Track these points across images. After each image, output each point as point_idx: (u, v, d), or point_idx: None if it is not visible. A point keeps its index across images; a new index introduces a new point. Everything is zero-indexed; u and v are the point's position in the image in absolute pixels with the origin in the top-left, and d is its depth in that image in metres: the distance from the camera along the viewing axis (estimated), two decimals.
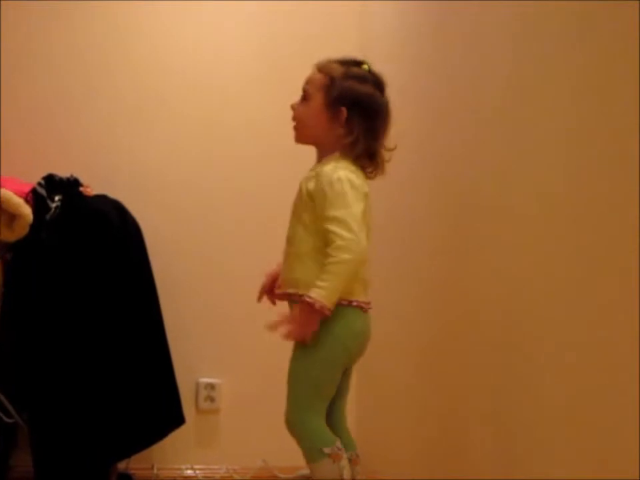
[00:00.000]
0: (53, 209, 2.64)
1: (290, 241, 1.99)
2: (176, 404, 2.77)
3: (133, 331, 2.67)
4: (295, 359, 1.98)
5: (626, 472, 1.47)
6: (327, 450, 1.89)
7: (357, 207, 1.88)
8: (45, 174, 2.70)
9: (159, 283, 2.81)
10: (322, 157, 2.01)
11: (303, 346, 1.92)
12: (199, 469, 2.95)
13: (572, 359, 1.69)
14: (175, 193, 3.08)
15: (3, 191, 2.49)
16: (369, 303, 2.00)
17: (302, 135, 2.03)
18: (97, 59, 3.06)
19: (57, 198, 2.66)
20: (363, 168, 2.00)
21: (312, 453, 1.92)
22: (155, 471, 2.89)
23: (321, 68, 2.01)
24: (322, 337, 1.89)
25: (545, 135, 1.85)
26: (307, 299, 1.83)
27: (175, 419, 2.76)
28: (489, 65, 2.15)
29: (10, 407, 2.56)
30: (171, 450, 2.90)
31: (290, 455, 3.00)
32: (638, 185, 1.49)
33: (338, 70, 1.98)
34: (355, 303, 1.93)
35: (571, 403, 1.68)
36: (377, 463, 2.79)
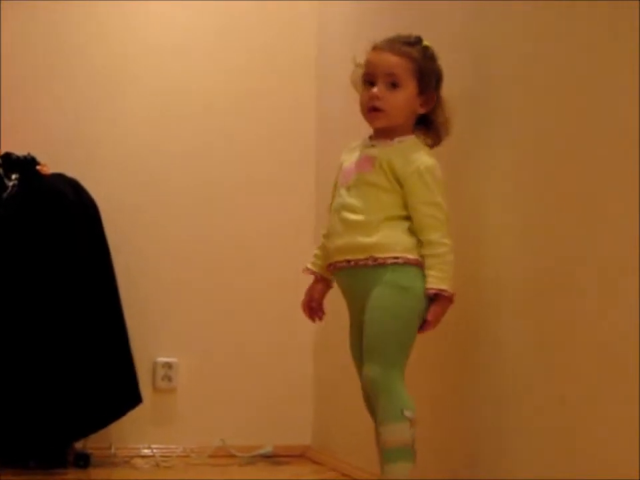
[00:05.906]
0: (10, 188, 2.63)
1: (354, 209, 1.94)
2: (133, 383, 2.77)
3: (89, 310, 2.67)
4: (380, 322, 1.90)
5: (626, 472, 1.48)
6: (407, 413, 1.84)
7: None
8: (1, 152, 2.67)
9: (116, 261, 2.81)
10: (391, 135, 1.97)
11: (386, 308, 1.89)
12: (157, 448, 2.95)
13: (569, 353, 1.68)
14: (132, 171, 3.06)
15: None
16: None
17: (390, 122, 1.96)
18: (51, 37, 3.03)
19: (13, 176, 2.65)
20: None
21: (393, 413, 1.85)
22: (113, 450, 2.89)
23: (395, 51, 1.96)
24: (406, 298, 1.89)
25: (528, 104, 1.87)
26: (445, 294, 1.87)
27: (132, 398, 2.76)
28: (447, 60, 2.18)
29: None
30: (129, 429, 2.90)
31: (248, 434, 3.04)
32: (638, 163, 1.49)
33: (415, 52, 1.96)
34: (415, 262, 1.93)
35: (571, 401, 1.67)
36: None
